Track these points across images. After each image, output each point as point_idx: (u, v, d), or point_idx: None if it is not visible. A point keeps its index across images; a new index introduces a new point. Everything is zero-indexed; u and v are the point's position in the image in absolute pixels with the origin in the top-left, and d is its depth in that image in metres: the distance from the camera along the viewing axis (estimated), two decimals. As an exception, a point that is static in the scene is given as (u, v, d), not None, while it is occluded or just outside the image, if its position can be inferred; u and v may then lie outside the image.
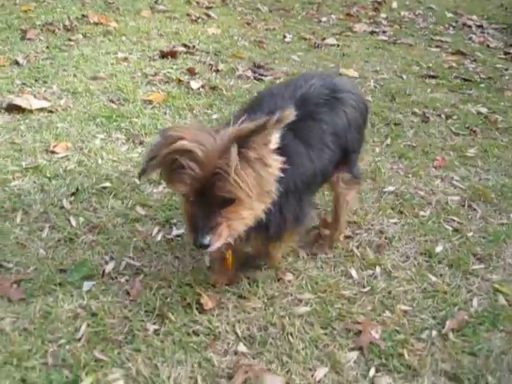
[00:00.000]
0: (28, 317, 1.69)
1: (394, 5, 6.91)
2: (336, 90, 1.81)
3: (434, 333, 1.76)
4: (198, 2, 6.33)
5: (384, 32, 5.77)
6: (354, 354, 1.66)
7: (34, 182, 2.38)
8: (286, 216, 1.66)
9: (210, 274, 1.90)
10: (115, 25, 4.94)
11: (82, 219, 2.16)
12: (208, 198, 1.41)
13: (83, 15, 5.05)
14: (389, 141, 3.02)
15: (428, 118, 3.39)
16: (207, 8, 6.08)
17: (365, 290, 1.92)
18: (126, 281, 1.88)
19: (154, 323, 1.70)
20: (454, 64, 4.68)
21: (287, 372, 1.57)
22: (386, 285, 1.95)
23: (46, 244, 2.01)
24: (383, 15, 6.53)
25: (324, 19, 6.08)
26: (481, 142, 3.11)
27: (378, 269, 2.02)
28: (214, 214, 1.43)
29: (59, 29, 4.61)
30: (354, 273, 1.99)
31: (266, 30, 5.39)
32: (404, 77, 4.27)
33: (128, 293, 1.82)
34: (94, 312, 1.72)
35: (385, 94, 3.82)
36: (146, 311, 1.75)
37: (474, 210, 2.45)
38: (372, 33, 5.70)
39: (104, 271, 1.90)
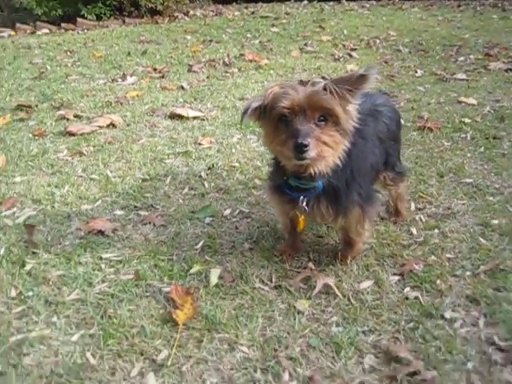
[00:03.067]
0: (165, 234, 2.44)
1: (540, 43, 6.96)
2: (376, 104, 2.21)
3: (468, 273, 2.16)
4: (344, 45, 7.04)
5: (521, 70, 5.87)
6: (396, 277, 2.14)
7: (182, 161, 3.20)
8: (352, 190, 1.96)
9: (279, 246, 2.30)
10: (266, 61, 5.82)
11: (212, 184, 2.91)
12: (305, 115, 1.69)
13: (241, 54, 6.02)
14: (482, 149, 3.38)
15: (532, 134, 3.65)
16: (351, 49, 6.73)
17: (419, 240, 2.38)
18: (237, 221, 2.55)
19: (251, 244, 2.34)
20: None
21: (339, 281, 2.11)
22: (439, 241, 2.38)
23: (184, 196, 2.78)
24: (525, 55, 6.62)
25: (461, 59, 6.32)
26: None
27: (436, 230, 2.46)
28: (312, 128, 1.70)
29: (219, 64, 5.62)
30: (414, 231, 2.45)
31: (401, 67, 5.88)
32: (525, 104, 4.47)
33: (236, 227, 2.49)
34: (210, 235, 2.42)
35: (496, 116, 4.09)
36: (246, 239, 2.40)
37: (547, 200, 2.73)
38: (507, 70, 5.81)
39: (222, 214, 2.60)
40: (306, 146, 1.66)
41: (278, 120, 1.76)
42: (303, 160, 1.74)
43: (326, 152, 1.75)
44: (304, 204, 1.96)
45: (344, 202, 1.99)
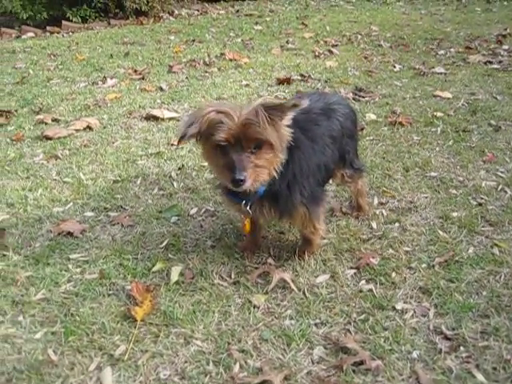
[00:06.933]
0: (131, 234, 2.50)
1: (519, 36, 7.02)
2: (329, 102, 2.30)
3: (424, 265, 2.23)
4: (325, 42, 7.09)
5: (500, 62, 5.86)
6: (352, 271, 2.20)
7: (154, 162, 3.26)
8: (295, 191, 2.03)
9: (240, 243, 2.40)
10: (246, 60, 5.88)
11: (181, 184, 2.97)
12: (241, 145, 1.77)
13: (221, 53, 6.08)
14: (450, 142, 3.45)
15: (500, 127, 3.71)
16: (332, 46, 6.78)
17: (378, 234, 2.44)
18: (202, 219, 2.62)
19: (213, 242, 2.41)
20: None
21: (296, 276, 2.18)
22: (398, 234, 2.45)
23: (153, 197, 2.85)
24: (505, 47, 6.61)
25: (441, 52, 6.36)
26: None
27: (396, 224, 2.53)
28: (247, 157, 1.79)
29: (199, 64, 5.67)
30: (374, 225, 2.52)
31: (380, 62, 5.93)
32: (499, 97, 4.49)
33: (201, 226, 2.56)
34: (174, 233, 2.48)
35: (470, 109, 4.15)
36: (209, 236, 2.47)
37: (505, 192, 2.79)
38: (486, 63, 5.84)
39: (189, 213, 2.66)
40: (242, 180, 1.76)
41: (215, 147, 1.83)
42: (240, 189, 1.83)
43: (261, 175, 1.85)
44: (248, 208, 2.03)
45: (286, 204, 2.05)
